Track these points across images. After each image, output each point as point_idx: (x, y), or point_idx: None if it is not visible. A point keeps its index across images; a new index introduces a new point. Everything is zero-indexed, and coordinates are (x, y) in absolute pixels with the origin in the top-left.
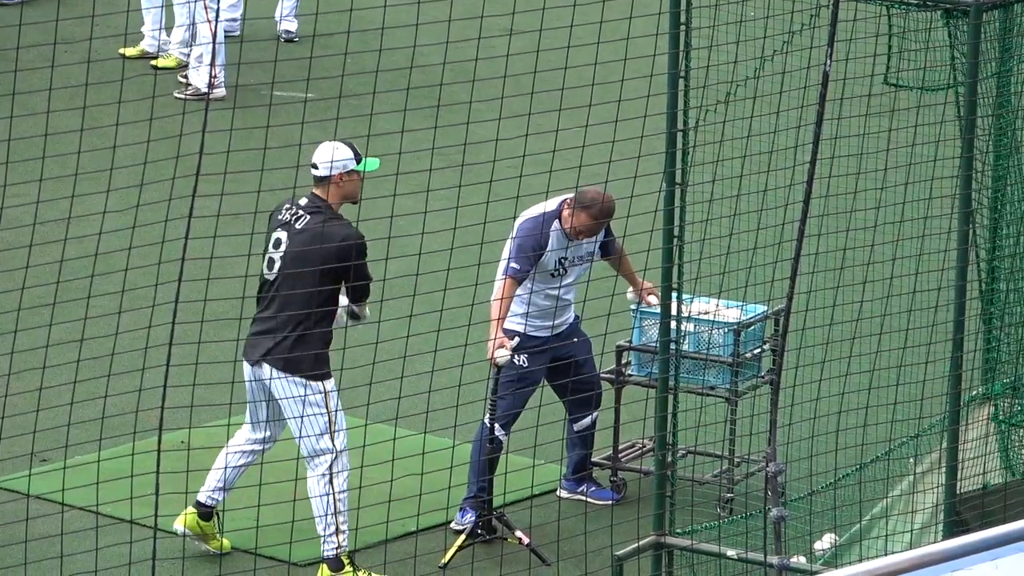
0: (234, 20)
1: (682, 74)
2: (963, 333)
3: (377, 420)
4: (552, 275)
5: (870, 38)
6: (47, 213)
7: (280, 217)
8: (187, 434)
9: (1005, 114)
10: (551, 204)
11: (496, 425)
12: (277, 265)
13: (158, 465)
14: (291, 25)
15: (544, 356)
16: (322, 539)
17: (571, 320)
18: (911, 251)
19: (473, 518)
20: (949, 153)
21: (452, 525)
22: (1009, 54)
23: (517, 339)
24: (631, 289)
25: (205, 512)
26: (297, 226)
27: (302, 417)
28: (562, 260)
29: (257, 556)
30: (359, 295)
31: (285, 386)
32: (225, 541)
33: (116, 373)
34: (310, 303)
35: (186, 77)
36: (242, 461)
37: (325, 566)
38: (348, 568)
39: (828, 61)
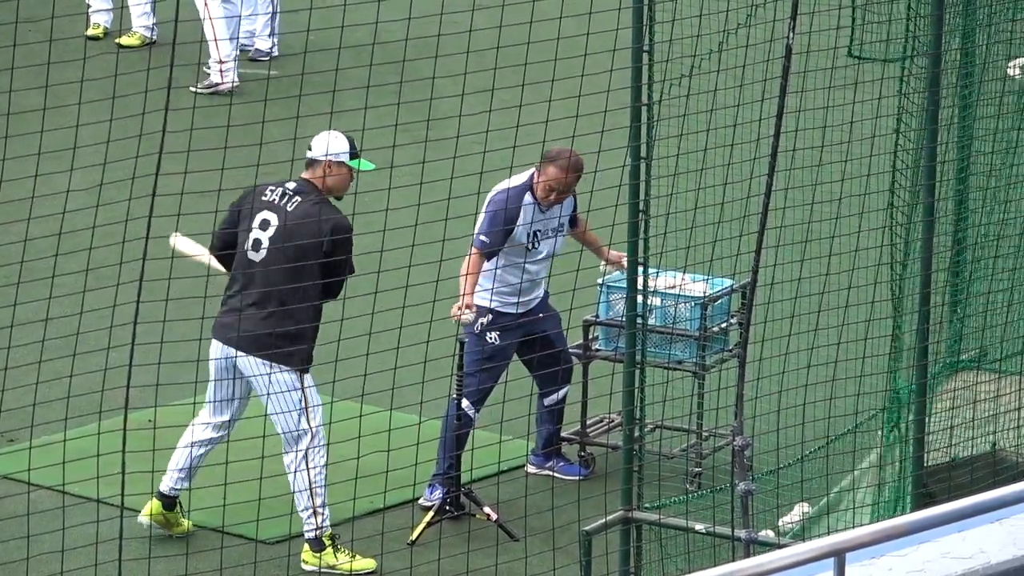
0: (253, 32)
1: (646, 48)
2: (929, 305)
3: (344, 397)
4: (527, 249)
5: (833, 10)
6: (11, 192)
7: (266, 199)
8: (153, 413)
9: (968, 85)
10: (522, 177)
11: (466, 402)
12: (265, 246)
13: (124, 444)
14: (264, 44)
15: (515, 333)
16: (303, 519)
17: (541, 296)
18: (876, 223)
19: (441, 494)
20: (914, 124)
21: (420, 501)
22: (972, 25)
23: (489, 316)
24: (603, 263)
25: (169, 502)
26: (289, 208)
27: (277, 395)
28: (536, 233)
29: (224, 534)
30: (337, 286)
31: (260, 365)
32: (187, 523)
33: (82, 352)
34: (297, 284)
35: (208, 69)
36: (204, 450)
37: (306, 547)
38: (328, 549)
39: (791, 34)
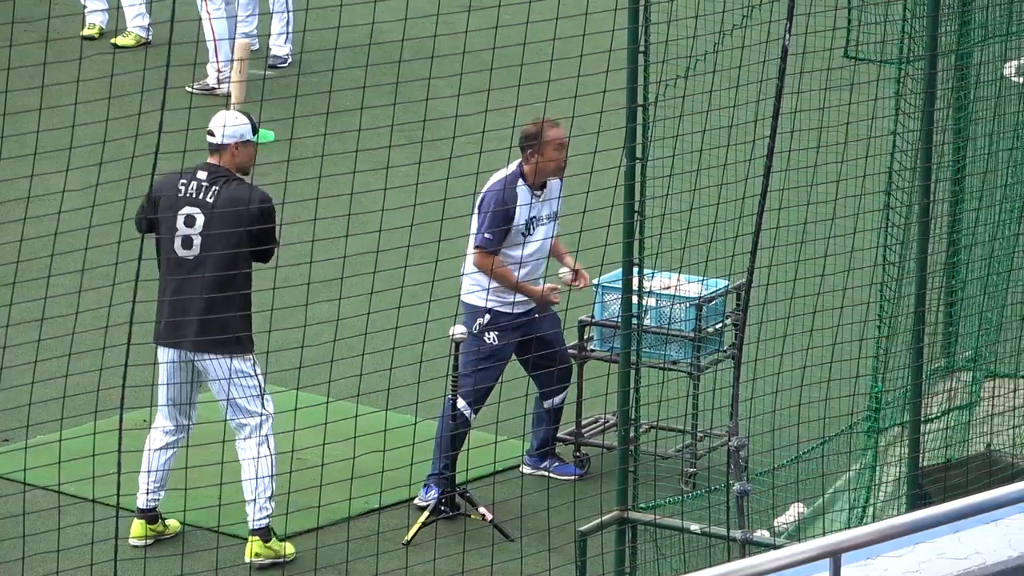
0: (250, 35)
1: (641, 49)
2: (925, 306)
3: (339, 397)
4: (523, 235)
5: (829, 11)
6: (6, 192)
7: (182, 194)
8: (149, 413)
9: (964, 86)
10: (510, 168)
11: (464, 403)
12: (197, 242)
13: (120, 444)
14: (281, 50)
15: (514, 333)
16: (254, 506)
17: None
18: (872, 224)
19: (436, 494)
20: (910, 126)
21: (416, 502)
22: (968, 26)
23: (488, 316)
24: (563, 268)
25: (151, 516)
26: (210, 199)
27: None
28: (532, 219)
29: (219, 534)
30: (266, 257)
31: (220, 362)
32: (174, 523)
33: (77, 352)
34: (237, 271)
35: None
36: (169, 454)
37: (257, 538)
38: (274, 538)
39: (787, 35)
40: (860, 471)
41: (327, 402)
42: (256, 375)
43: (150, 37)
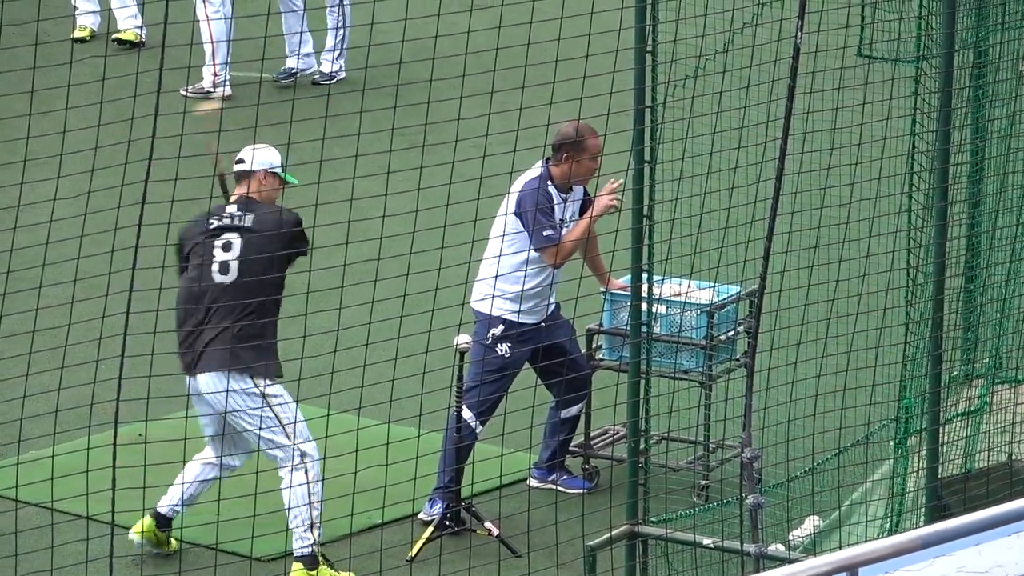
0: (307, 56)
1: (649, 48)
2: (943, 312)
3: (340, 410)
4: None
5: (842, 9)
6: None
7: (213, 225)
8: (144, 427)
9: (982, 85)
10: (535, 171)
11: (470, 414)
12: (235, 266)
13: (114, 459)
14: (328, 67)
15: (528, 344)
16: (294, 535)
17: (553, 305)
18: (888, 228)
19: (441, 509)
20: (928, 126)
21: (420, 516)
22: (986, 22)
23: (501, 327)
24: (603, 289)
25: (164, 521)
26: (248, 224)
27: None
28: (560, 222)
29: (218, 552)
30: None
31: (233, 386)
32: (174, 542)
33: (70, 365)
34: (271, 296)
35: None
36: (208, 475)
37: (300, 566)
38: (324, 567)
39: (799, 33)
40: (882, 481)
41: (328, 415)
42: (275, 404)
43: (144, 37)
